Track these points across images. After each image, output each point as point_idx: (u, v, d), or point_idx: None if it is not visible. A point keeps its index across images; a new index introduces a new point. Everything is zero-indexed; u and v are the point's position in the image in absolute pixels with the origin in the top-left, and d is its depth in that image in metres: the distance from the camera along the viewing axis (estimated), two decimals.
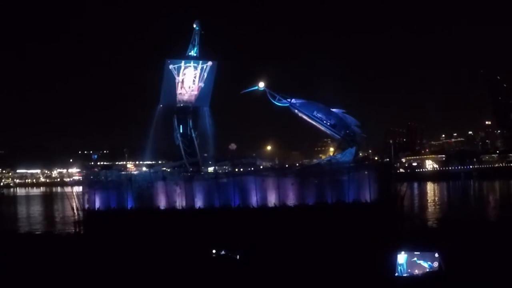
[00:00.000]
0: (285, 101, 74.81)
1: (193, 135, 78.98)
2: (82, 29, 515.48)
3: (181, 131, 78.59)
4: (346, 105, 78.00)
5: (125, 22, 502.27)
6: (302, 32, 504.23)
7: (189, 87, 78.20)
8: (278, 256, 40.01)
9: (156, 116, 79.23)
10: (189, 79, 78.09)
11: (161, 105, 79.06)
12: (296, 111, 74.93)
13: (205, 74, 78.03)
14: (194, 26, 77.40)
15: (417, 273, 28.82)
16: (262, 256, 39.71)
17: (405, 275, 28.72)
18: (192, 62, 77.73)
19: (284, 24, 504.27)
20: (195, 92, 78.48)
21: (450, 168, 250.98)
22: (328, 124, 73.61)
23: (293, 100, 74.73)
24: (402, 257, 29.03)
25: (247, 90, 76.36)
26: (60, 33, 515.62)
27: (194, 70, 77.96)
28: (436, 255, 28.92)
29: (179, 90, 77.82)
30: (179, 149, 78.39)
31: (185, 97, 78.52)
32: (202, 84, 78.33)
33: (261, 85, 74.89)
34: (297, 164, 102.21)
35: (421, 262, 29.03)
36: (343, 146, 74.49)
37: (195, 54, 77.93)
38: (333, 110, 74.36)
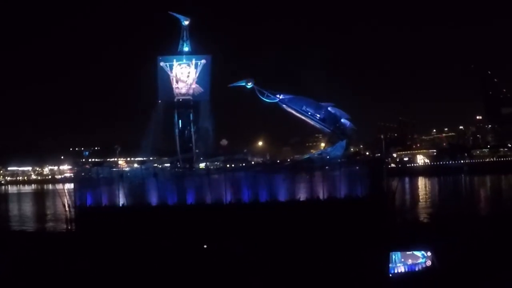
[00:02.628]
0: (273, 97, 75.08)
1: (192, 130, 78.96)
2: (73, 27, 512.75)
3: (180, 126, 78.64)
4: (337, 100, 78.21)
5: (115, 19, 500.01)
6: (294, 25, 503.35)
7: (186, 82, 78.13)
8: (270, 252, 40.06)
9: (154, 112, 79.54)
10: (184, 74, 78.08)
11: (159, 101, 79.18)
12: (285, 106, 75.20)
13: (200, 68, 77.98)
14: (181, 21, 77.58)
15: (411, 262, 28.91)
16: (254, 252, 39.76)
17: (399, 267, 28.80)
18: (184, 58, 77.85)
19: (277, 17, 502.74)
20: (193, 86, 78.36)
21: (441, 162, 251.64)
22: (318, 118, 73.91)
23: (282, 96, 75.00)
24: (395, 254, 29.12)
25: (234, 84, 76.47)
26: (50, 31, 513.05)
27: (188, 65, 77.96)
28: (429, 253, 28.97)
29: (175, 85, 77.90)
30: (176, 144, 78.54)
31: (183, 91, 78.37)
32: (198, 78, 78.24)
33: (249, 84, 75.11)
34: (288, 160, 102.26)
35: (414, 252, 29.15)
36: (334, 140, 74.80)
37: (187, 49, 78.04)
38: (322, 104, 74.73)
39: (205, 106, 79.94)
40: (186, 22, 77.56)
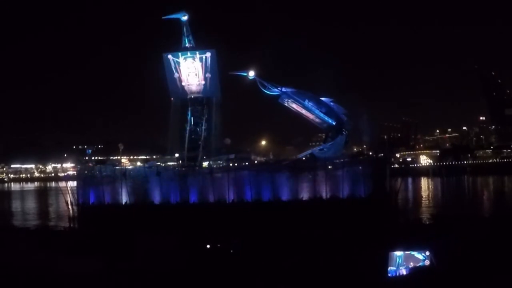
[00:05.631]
0: (275, 89, 75.10)
1: (203, 127, 78.77)
2: (76, 24, 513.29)
3: (191, 123, 78.59)
4: (339, 99, 78.43)
5: (118, 17, 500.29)
6: (297, 23, 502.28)
7: (195, 78, 77.75)
8: (271, 251, 40.03)
9: (165, 110, 79.62)
10: (192, 70, 77.66)
11: (172, 98, 78.98)
12: (286, 100, 75.26)
13: (207, 64, 77.49)
14: (179, 18, 77.16)
15: (412, 265, 28.96)
16: (255, 250, 39.75)
17: (401, 269, 28.84)
18: (189, 53, 77.42)
19: (282, 13, 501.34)
20: (203, 82, 78.02)
21: (444, 163, 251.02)
22: (320, 111, 74.21)
23: (284, 89, 75.03)
24: (397, 254, 29.18)
25: (236, 73, 76.28)
26: (53, 28, 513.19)
27: (194, 60, 77.47)
28: (428, 253, 29.02)
29: (185, 82, 77.69)
30: (184, 142, 78.50)
31: (193, 88, 78.14)
32: (207, 74, 77.87)
33: (251, 74, 74.87)
34: (289, 159, 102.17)
35: (415, 253, 29.21)
36: (333, 135, 75.02)
37: (190, 45, 77.68)
38: (323, 99, 75.05)
39: (216, 103, 79.49)
40: (185, 18, 76.77)
